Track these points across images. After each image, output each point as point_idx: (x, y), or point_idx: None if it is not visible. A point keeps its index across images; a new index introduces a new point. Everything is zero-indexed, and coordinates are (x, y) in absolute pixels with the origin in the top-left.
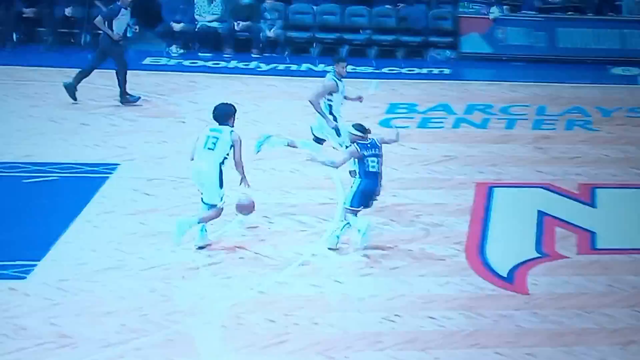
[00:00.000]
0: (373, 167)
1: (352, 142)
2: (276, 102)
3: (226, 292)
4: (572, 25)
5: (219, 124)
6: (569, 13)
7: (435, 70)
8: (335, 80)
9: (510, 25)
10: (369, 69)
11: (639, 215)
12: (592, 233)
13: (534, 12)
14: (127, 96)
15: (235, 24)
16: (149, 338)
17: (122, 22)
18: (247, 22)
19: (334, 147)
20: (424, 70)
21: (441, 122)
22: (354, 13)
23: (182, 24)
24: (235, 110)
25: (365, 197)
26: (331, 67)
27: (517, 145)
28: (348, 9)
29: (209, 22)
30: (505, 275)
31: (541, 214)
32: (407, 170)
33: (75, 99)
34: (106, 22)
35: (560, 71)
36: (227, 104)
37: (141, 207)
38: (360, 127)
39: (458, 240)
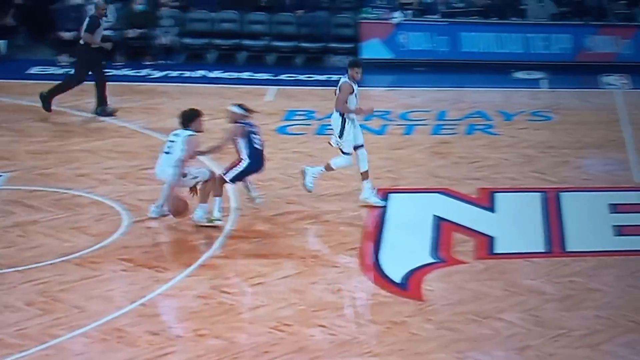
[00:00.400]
0: (259, 144)
1: (233, 121)
2: (168, 109)
3: (107, 305)
4: (475, 29)
5: (182, 128)
6: (473, 17)
7: (335, 77)
8: (350, 83)
9: (413, 30)
10: (267, 76)
11: (538, 219)
12: (491, 237)
13: (437, 17)
14: (106, 107)
15: (130, 31)
16: (26, 353)
17: (100, 33)
18: (142, 30)
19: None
20: (323, 77)
21: None
22: (253, 20)
23: (72, 33)
24: (198, 114)
25: (247, 174)
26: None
27: (415, 151)
28: (247, 16)
29: None
30: (399, 281)
31: (438, 219)
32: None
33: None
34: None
35: (462, 76)
36: (191, 108)
37: (21, 218)
38: (242, 107)
39: (352, 247)
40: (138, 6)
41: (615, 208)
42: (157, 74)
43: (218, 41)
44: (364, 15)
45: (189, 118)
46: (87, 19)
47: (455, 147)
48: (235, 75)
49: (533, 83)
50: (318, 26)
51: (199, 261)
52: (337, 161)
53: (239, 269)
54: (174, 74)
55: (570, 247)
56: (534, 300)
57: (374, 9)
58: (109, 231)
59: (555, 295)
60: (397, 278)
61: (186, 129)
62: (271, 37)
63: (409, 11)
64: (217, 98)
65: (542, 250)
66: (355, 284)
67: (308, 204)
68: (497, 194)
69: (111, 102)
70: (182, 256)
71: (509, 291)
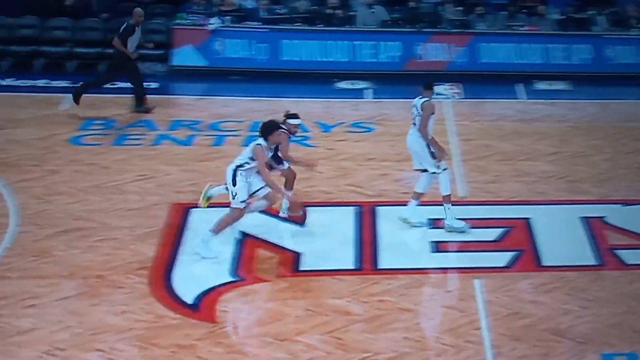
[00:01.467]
0: None
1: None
2: None
3: None
4: (298, 37)
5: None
6: (297, 24)
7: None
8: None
9: (230, 37)
10: (65, 83)
11: (349, 234)
12: (297, 254)
13: (258, 23)
14: (145, 106)
15: None
16: None
17: (135, 40)
18: None
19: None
20: (129, 85)
21: (139, 139)
22: (55, 26)
23: None
24: (276, 127)
25: None
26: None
27: (224, 163)
28: (48, 22)
29: None
30: (190, 303)
31: (242, 235)
32: (95, 192)
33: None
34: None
35: (282, 85)
36: (271, 120)
37: None
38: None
39: (143, 266)
40: None
41: (435, 223)
42: None
43: (14, 48)
44: (179, 21)
45: (266, 129)
46: (124, 25)
47: None
48: (29, 83)
49: (357, 93)
50: None
51: None
52: (444, 184)
53: (12, 289)
54: None
55: (383, 264)
56: (338, 320)
57: (190, 15)
58: None
59: (361, 316)
60: (189, 299)
61: (264, 139)
62: (73, 44)
63: (228, 17)
64: (8, 107)
65: (352, 268)
66: (142, 305)
67: (97, 219)
68: (308, 208)
69: None
70: None
71: (312, 311)
